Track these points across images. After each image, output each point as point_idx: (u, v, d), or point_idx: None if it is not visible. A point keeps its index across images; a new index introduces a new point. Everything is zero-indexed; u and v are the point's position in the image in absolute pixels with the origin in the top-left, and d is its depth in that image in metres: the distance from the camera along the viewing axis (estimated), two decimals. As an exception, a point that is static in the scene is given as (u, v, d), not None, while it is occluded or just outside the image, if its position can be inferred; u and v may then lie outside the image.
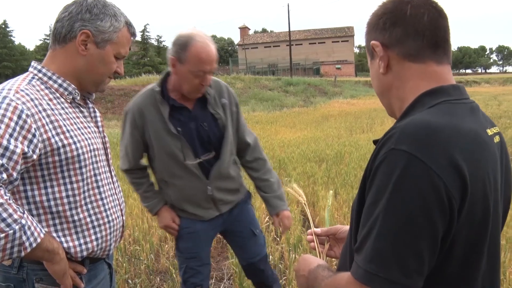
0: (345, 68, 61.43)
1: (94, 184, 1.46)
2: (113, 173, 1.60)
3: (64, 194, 1.36)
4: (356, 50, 78.77)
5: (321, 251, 1.31)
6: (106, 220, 1.49)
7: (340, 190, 5.67)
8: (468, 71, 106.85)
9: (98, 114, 1.59)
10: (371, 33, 1.02)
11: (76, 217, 1.39)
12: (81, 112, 1.49)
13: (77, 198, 1.39)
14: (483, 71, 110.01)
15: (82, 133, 1.42)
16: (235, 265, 3.46)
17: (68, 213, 1.38)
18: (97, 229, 1.46)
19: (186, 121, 2.09)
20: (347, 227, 1.27)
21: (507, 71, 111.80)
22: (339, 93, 29.95)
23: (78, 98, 1.47)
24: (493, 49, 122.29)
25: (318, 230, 1.31)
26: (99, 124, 1.57)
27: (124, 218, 1.62)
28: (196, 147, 2.11)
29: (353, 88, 34.06)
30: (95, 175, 1.46)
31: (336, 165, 7.30)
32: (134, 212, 4.91)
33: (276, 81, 31.67)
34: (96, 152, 1.47)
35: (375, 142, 0.96)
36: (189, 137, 2.09)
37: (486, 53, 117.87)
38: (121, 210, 1.60)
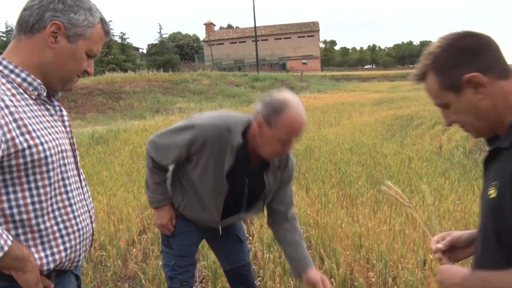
0: (311, 63, 61.98)
1: (62, 189, 1.33)
2: (82, 177, 1.47)
3: (29, 200, 1.22)
4: (322, 45, 79.51)
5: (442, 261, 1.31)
6: (75, 228, 1.36)
7: (311, 185, 5.64)
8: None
9: (64, 113, 1.44)
10: (453, 71, 1.11)
11: (42, 226, 1.26)
12: (47, 110, 1.34)
13: (44, 204, 1.25)
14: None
15: (50, 133, 1.27)
16: (207, 268, 3.36)
17: (34, 221, 1.24)
18: (66, 239, 1.33)
19: (238, 176, 2.05)
20: (461, 233, 1.32)
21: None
22: (306, 88, 30.17)
23: (44, 94, 1.33)
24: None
25: (442, 246, 1.32)
26: (66, 124, 1.42)
27: (93, 225, 1.49)
28: (229, 202, 2.12)
29: (319, 82, 34.36)
30: (63, 179, 1.33)
31: (306, 160, 7.27)
32: (99, 216, 4.70)
33: (242, 77, 31.59)
34: (65, 154, 1.33)
35: (493, 150, 1.10)
36: (230, 192, 2.08)
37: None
38: (91, 217, 1.47)
